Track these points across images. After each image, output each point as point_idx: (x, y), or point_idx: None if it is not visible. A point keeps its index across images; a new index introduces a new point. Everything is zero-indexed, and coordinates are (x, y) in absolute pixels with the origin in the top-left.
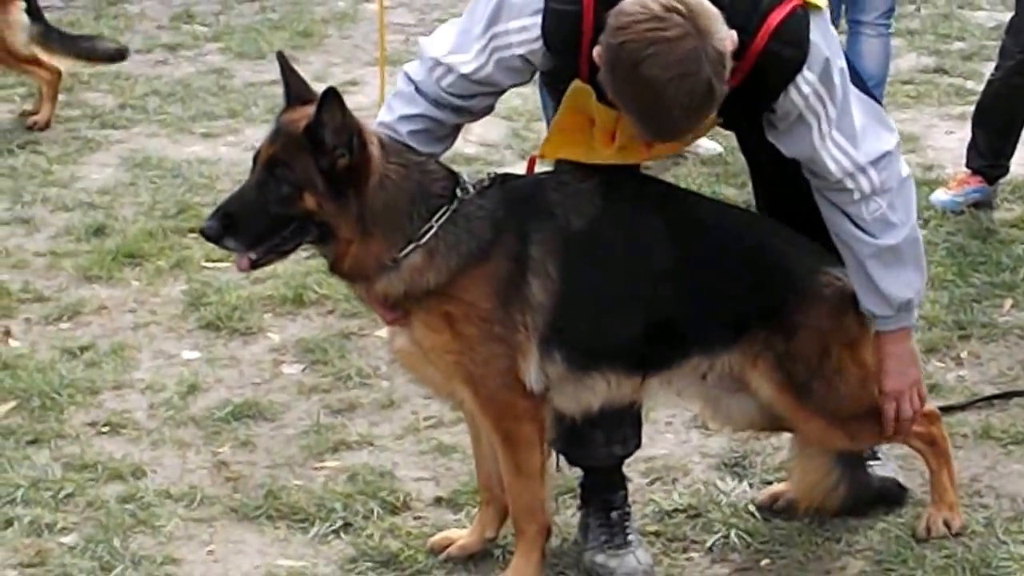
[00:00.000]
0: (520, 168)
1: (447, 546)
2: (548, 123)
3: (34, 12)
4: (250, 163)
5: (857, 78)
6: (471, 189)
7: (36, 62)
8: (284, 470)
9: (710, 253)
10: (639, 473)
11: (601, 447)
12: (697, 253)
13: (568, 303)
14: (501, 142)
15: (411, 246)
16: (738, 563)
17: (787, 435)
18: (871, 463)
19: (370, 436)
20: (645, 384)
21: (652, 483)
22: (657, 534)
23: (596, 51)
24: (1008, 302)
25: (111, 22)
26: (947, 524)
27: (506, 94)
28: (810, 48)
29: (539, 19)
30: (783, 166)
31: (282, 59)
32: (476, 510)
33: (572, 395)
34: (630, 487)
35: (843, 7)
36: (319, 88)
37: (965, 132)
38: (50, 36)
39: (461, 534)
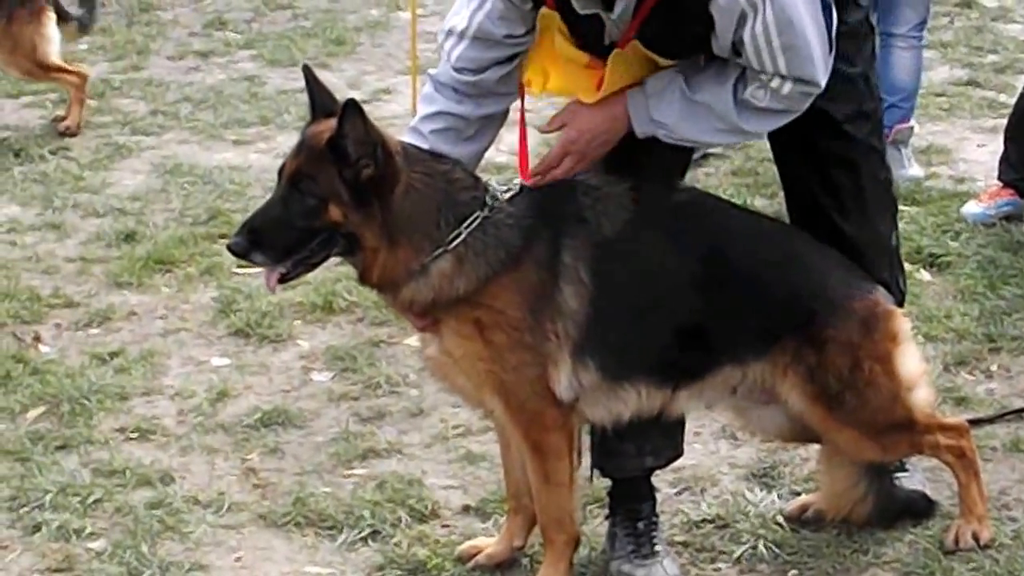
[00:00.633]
0: None
1: (475, 554)
2: None
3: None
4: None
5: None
6: (500, 196)
7: (62, 70)
8: (312, 477)
9: (742, 263)
10: (667, 483)
11: (632, 458)
12: (729, 262)
13: (601, 309)
14: (531, 151)
15: (439, 251)
16: (766, 574)
17: (815, 445)
18: (899, 474)
19: (399, 444)
20: (675, 396)
21: (680, 493)
22: (685, 544)
23: None
24: None
25: (143, 28)
26: (975, 536)
27: (538, 104)
28: None
29: None
30: (816, 179)
31: (308, 72)
32: (504, 519)
33: (604, 405)
34: (658, 497)
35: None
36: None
37: (997, 145)
38: None
39: (489, 542)
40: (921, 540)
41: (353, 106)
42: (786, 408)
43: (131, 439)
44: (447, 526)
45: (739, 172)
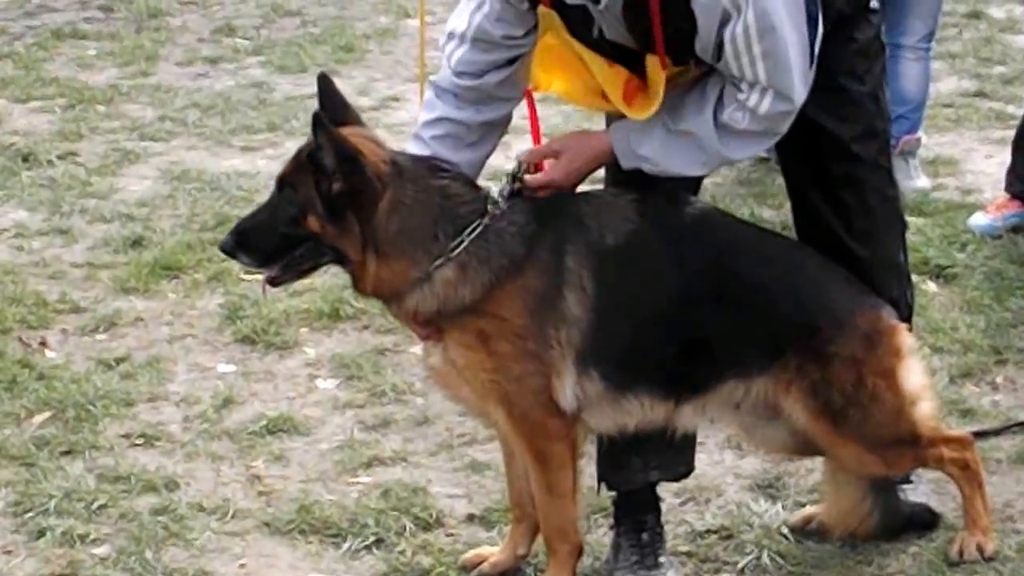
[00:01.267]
0: None
1: (479, 563)
2: None
3: None
4: None
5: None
6: (502, 203)
7: None
8: (317, 485)
9: (747, 277)
10: (672, 493)
11: (638, 472)
12: (733, 277)
13: (604, 318)
14: None
15: (441, 260)
16: None
17: (820, 457)
18: (904, 486)
19: (404, 452)
20: (679, 409)
21: (685, 503)
22: (689, 555)
23: None
24: None
25: (152, 34)
26: (980, 549)
27: (547, 114)
28: None
29: None
30: (823, 198)
31: (323, 80)
32: (508, 527)
33: (608, 415)
34: (663, 507)
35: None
36: (360, 104)
37: (1004, 156)
38: None
39: (493, 551)
40: (925, 552)
41: (319, 120)
42: (789, 423)
43: (136, 445)
44: (451, 534)
45: (746, 182)
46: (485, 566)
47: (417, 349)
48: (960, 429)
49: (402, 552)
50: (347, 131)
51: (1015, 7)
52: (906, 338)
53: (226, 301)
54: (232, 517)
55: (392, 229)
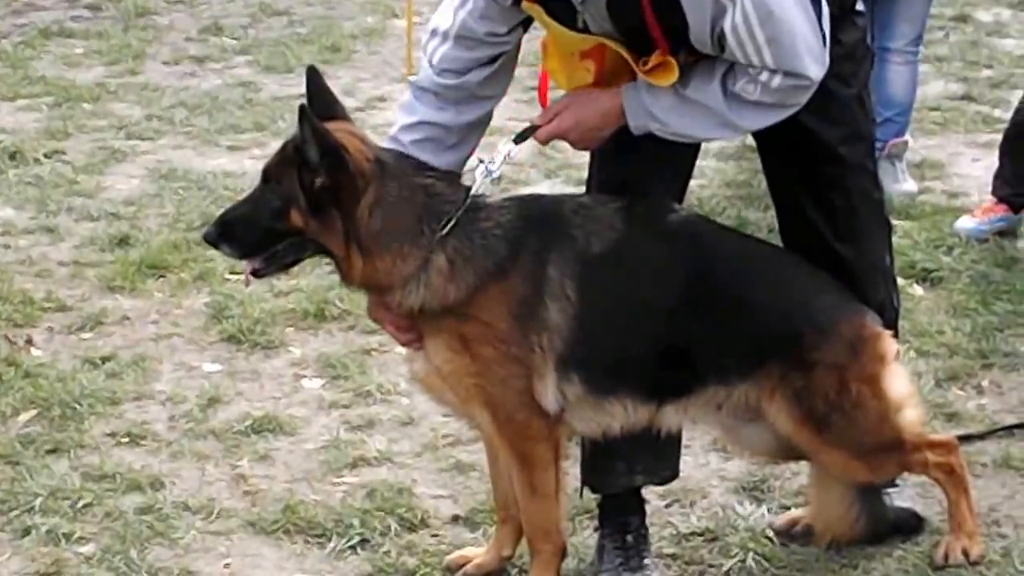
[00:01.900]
0: (546, 187)
1: (464, 564)
2: None
3: None
4: None
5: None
6: (495, 172)
7: None
8: (302, 485)
9: (730, 285)
10: (657, 495)
11: (622, 475)
12: (717, 284)
13: (586, 326)
14: (527, 161)
15: (430, 252)
16: None
17: (805, 461)
18: (889, 490)
19: (389, 453)
20: (661, 411)
21: (670, 506)
22: (674, 557)
23: None
24: None
25: (140, 33)
26: (965, 553)
27: (534, 114)
28: None
29: None
30: (809, 201)
31: (312, 73)
32: (493, 529)
33: (591, 418)
34: (648, 509)
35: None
36: (346, 104)
37: (991, 160)
38: None
39: (478, 552)
40: (910, 556)
41: (304, 113)
42: (773, 428)
43: (122, 444)
44: (436, 535)
45: (732, 184)
46: (470, 567)
47: (402, 350)
48: (945, 433)
49: (387, 553)
50: (333, 126)
51: (1002, 11)
52: (890, 344)
53: (212, 300)
54: (217, 516)
55: (375, 226)
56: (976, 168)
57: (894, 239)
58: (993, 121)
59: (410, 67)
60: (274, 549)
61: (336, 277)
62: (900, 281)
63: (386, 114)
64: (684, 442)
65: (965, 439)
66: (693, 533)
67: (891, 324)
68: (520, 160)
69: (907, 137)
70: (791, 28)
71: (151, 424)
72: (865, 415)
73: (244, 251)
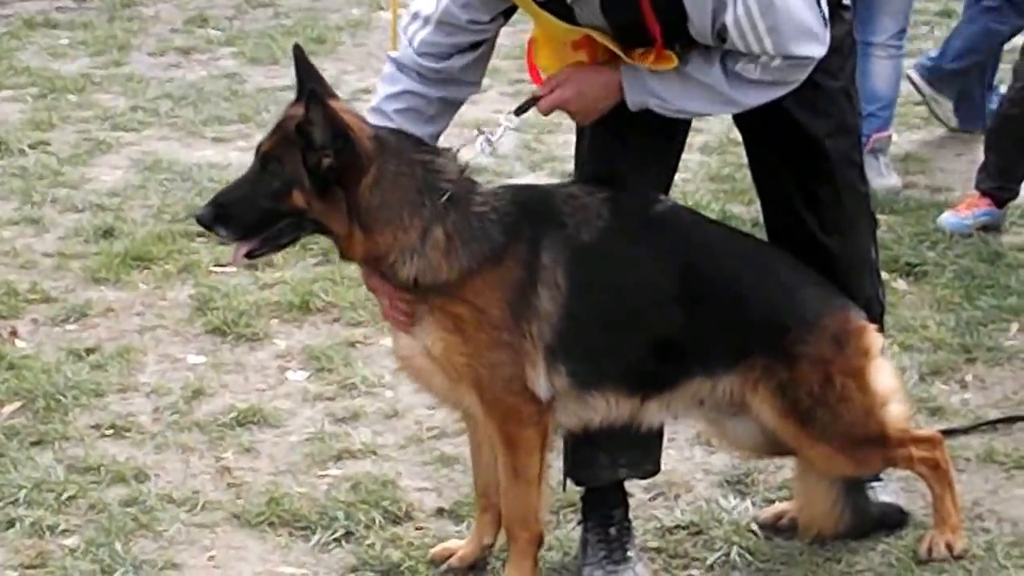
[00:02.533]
0: (530, 180)
1: (448, 557)
2: None
3: None
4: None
5: None
6: (494, 145)
7: None
8: (287, 477)
9: (716, 278)
10: (641, 489)
11: (606, 469)
12: (703, 277)
13: (574, 315)
14: (512, 153)
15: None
16: None
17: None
18: (873, 484)
19: (373, 445)
20: (644, 406)
21: (654, 499)
22: (658, 550)
23: None
24: (1015, 326)
25: (125, 24)
26: (949, 547)
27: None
28: None
29: None
30: (797, 195)
31: (299, 52)
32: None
33: (572, 411)
34: (632, 502)
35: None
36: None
37: (974, 154)
38: None
39: (461, 545)
40: (894, 550)
41: (315, 95)
42: (757, 421)
43: (106, 436)
44: (421, 528)
45: (716, 178)
46: (454, 560)
47: (387, 342)
48: (929, 427)
49: (371, 545)
50: (334, 106)
51: None
52: (875, 338)
53: (196, 292)
54: (201, 509)
55: (375, 202)
56: (960, 163)
57: (878, 233)
58: None
59: None
60: (258, 541)
61: (321, 270)
62: (884, 275)
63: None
64: (669, 436)
65: (949, 433)
66: (677, 526)
67: (877, 318)
68: (505, 153)
69: (891, 131)
70: (791, 16)
71: (136, 416)
72: (849, 409)
73: (240, 233)
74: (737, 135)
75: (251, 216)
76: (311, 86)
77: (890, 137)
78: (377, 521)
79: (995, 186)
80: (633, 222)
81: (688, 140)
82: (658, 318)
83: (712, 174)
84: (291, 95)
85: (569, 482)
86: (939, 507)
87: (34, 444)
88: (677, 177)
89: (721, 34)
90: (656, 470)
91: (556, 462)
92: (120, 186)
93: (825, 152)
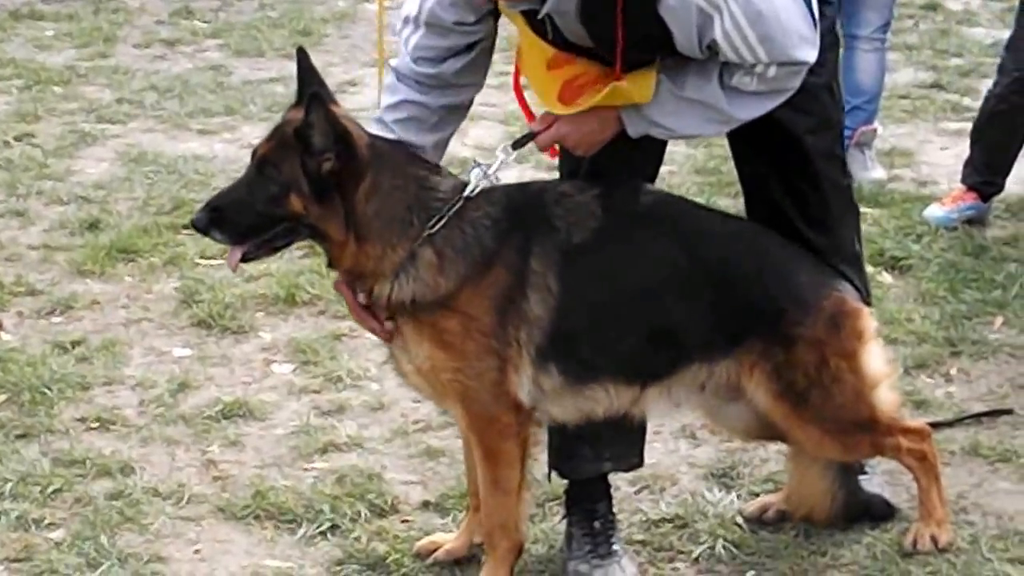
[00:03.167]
0: (516, 173)
1: (434, 550)
2: None
3: None
4: (246, 160)
5: None
6: (481, 178)
7: None
8: (272, 470)
9: (710, 263)
10: (627, 482)
11: (590, 462)
12: (697, 263)
13: (567, 317)
14: (497, 145)
15: (420, 242)
16: (724, 574)
17: (774, 446)
18: (859, 476)
19: (359, 438)
20: (644, 394)
21: (639, 492)
22: (644, 543)
23: None
24: (999, 320)
25: (110, 16)
26: (934, 540)
27: (505, 99)
28: None
29: None
30: (779, 189)
31: (302, 55)
32: (463, 515)
33: (572, 406)
34: (617, 496)
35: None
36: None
37: (960, 148)
38: None
39: (448, 538)
40: (879, 543)
41: (317, 98)
42: (752, 405)
43: (92, 429)
44: (406, 521)
45: (702, 171)
46: (440, 553)
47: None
48: (916, 420)
49: (357, 538)
50: (334, 110)
51: None
52: (869, 321)
53: (182, 285)
54: (187, 502)
55: (370, 211)
56: (945, 156)
57: (863, 227)
58: (962, 109)
59: (381, 51)
60: (244, 535)
61: (306, 262)
62: (869, 269)
63: (357, 98)
64: (654, 429)
65: (934, 427)
66: (662, 520)
67: None
68: (491, 145)
69: (876, 125)
70: (781, 22)
71: (121, 409)
72: (842, 390)
73: (236, 237)
74: None
75: (247, 220)
76: (313, 90)
77: (875, 131)
78: (363, 514)
79: (980, 180)
80: (625, 216)
81: None
82: (655, 309)
83: (698, 167)
84: (277, 87)
85: (555, 475)
86: (925, 500)
87: (19, 437)
88: (663, 170)
89: (711, 47)
90: (640, 463)
91: (541, 455)
92: (105, 178)
93: (806, 149)
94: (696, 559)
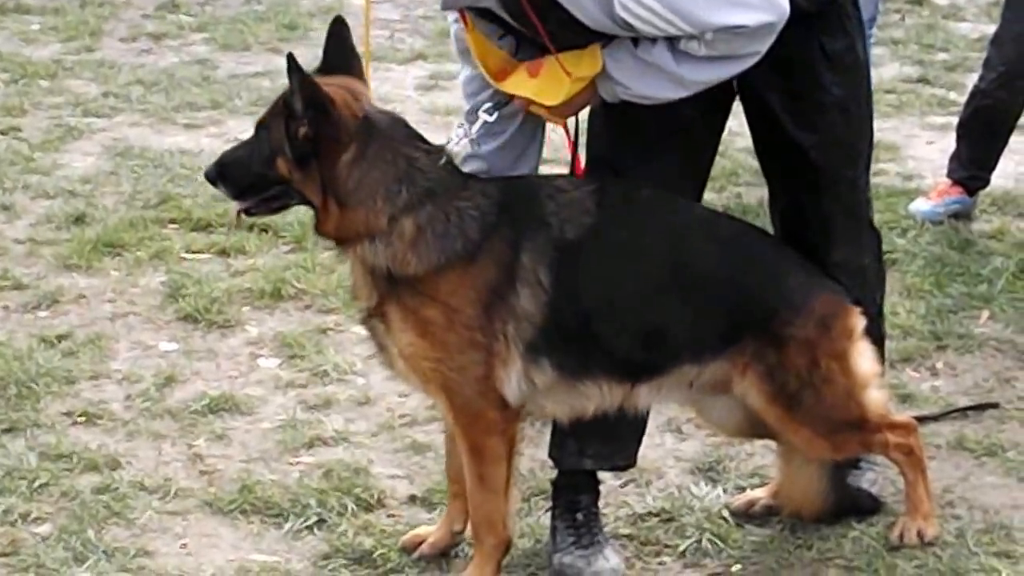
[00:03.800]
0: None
1: (419, 544)
2: None
3: None
4: None
5: None
6: (472, 133)
7: None
8: (259, 464)
9: (704, 263)
10: (612, 475)
11: (572, 455)
12: (691, 263)
13: (559, 313)
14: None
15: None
16: (710, 568)
17: (760, 440)
18: (852, 471)
19: (345, 432)
20: (635, 391)
21: (625, 486)
22: (630, 537)
23: None
24: (985, 314)
25: (96, 9)
26: (920, 534)
27: None
28: None
29: None
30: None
31: (337, 24)
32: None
33: (564, 401)
34: (603, 489)
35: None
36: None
37: (946, 142)
38: None
39: (431, 531)
40: (865, 537)
41: (294, 62)
42: (743, 403)
43: (78, 423)
44: (393, 516)
45: None
46: (425, 547)
47: (359, 329)
48: (902, 414)
49: (344, 533)
50: (329, 79)
51: None
52: (859, 320)
53: (168, 279)
54: (174, 496)
55: (352, 182)
56: (931, 151)
57: None
58: (948, 104)
59: (368, 45)
60: (231, 529)
61: (293, 257)
62: None
63: None
64: None
65: (920, 420)
66: (649, 513)
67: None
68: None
69: None
70: None
71: (107, 403)
72: (833, 391)
73: (237, 192)
74: None
75: (246, 178)
76: (290, 53)
77: None
78: (349, 508)
79: (966, 175)
80: (620, 213)
81: None
82: (648, 308)
83: None
84: (263, 81)
85: (542, 470)
86: (912, 494)
87: (5, 431)
88: None
89: (626, 24)
90: (628, 465)
91: (528, 450)
92: (92, 172)
93: (812, 163)
94: (682, 553)
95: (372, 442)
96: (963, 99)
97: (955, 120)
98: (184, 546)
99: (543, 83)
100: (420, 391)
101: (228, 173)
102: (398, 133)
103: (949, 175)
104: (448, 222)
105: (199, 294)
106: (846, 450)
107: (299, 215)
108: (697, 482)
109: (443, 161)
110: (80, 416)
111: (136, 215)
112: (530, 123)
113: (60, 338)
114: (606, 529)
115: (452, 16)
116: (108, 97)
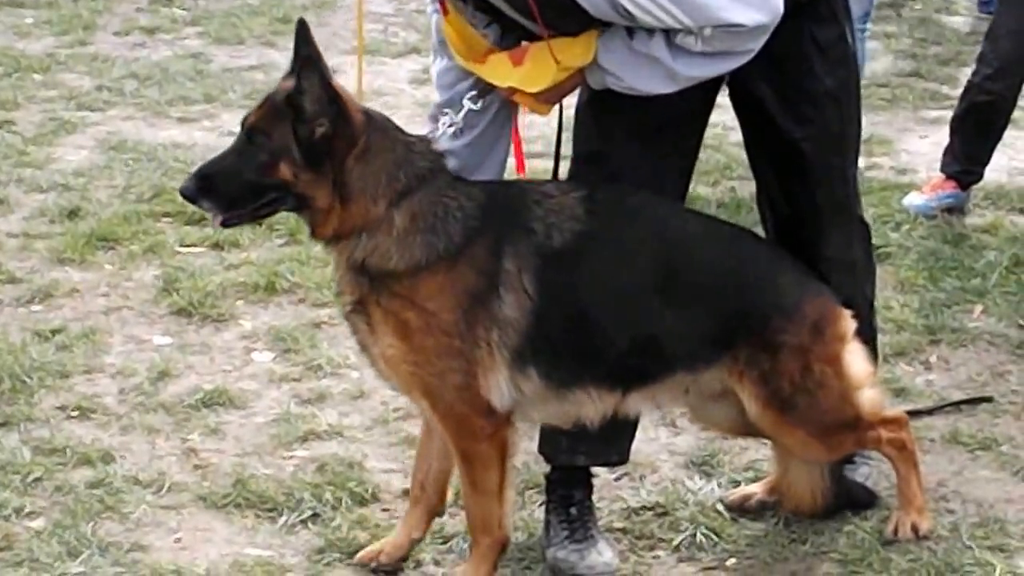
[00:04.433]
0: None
1: (376, 556)
2: None
3: None
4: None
5: None
6: (469, 106)
7: None
8: (253, 459)
9: (695, 269)
10: (607, 470)
11: (563, 452)
12: (682, 269)
13: (545, 320)
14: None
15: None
16: (705, 562)
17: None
18: (846, 466)
19: (339, 426)
20: (626, 399)
21: (619, 479)
22: (624, 531)
23: None
24: (978, 308)
25: (90, 3)
26: (914, 528)
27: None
28: None
29: None
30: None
31: (301, 26)
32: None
33: (555, 409)
34: (597, 483)
35: None
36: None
37: (939, 136)
38: None
39: (387, 541)
40: (859, 531)
41: (311, 62)
42: (738, 405)
43: (72, 417)
44: (387, 509)
45: None
46: (383, 557)
47: None
48: (895, 408)
49: (338, 527)
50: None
51: None
52: (849, 323)
53: (162, 273)
54: (168, 491)
55: (356, 175)
56: (924, 145)
57: None
58: (941, 98)
59: (361, 39)
60: (225, 523)
61: (287, 250)
62: None
63: None
64: None
65: (913, 414)
66: (643, 507)
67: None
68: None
69: None
70: None
71: (101, 398)
72: (827, 395)
73: (224, 206)
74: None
75: (236, 190)
76: (305, 53)
77: None
78: (344, 502)
79: (960, 170)
80: (608, 220)
81: None
82: (638, 316)
83: None
84: (257, 75)
85: (536, 463)
86: (905, 488)
87: None
88: None
89: (627, 13)
90: (621, 461)
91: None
92: (85, 166)
93: (803, 155)
94: (676, 547)
95: (366, 436)
96: (956, 93)
97: (948, 114)
98: (178, 540)
99: (528, 70)
100: (403, 394)
101: (213, 187)
102: (389, 123)
103: (943, 169)
104: (436, 216)
105: (193, 288)
106: (841, 451)
107: None
108: (691, 476)
109: (433, 147)
110: (74, 410)
111: (130, 209)
112: (500, 119)
113: (54, 332)
114: (600, 523)
115: (431, 7)
116: (102, 91)
